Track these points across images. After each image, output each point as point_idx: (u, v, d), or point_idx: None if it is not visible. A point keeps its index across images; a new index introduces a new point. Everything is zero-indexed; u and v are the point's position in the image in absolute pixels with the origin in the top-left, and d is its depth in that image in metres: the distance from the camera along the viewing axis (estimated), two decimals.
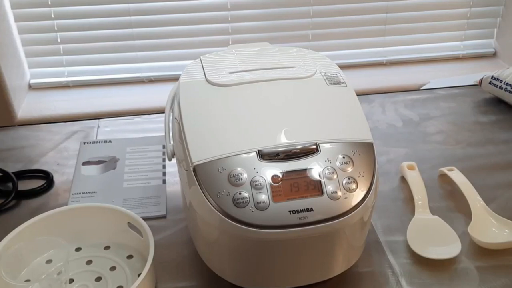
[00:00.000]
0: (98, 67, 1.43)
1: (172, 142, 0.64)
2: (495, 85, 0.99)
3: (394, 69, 1.52)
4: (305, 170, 0.53)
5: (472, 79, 1.08)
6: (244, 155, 0.53)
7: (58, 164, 0.83)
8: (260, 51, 0.72)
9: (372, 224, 0.70)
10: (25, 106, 1.32)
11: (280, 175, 0.53)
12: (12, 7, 1.30)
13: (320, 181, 0.53)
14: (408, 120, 0.95)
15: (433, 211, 0.71)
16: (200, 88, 0.63)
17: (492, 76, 0.99)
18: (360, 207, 0.53)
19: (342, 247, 0.57)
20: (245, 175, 0.52)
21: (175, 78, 0.67)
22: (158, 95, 1.31)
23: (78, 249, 0.65)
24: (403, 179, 0.78)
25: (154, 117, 0.97)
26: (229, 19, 1.41)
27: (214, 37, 1.43)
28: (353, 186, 0.53)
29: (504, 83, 0.97)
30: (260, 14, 1.43)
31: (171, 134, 0.65)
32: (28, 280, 0.60)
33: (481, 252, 0.65)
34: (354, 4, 1.44)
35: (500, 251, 0.65)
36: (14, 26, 1.31)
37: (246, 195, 0.51)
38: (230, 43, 1.44)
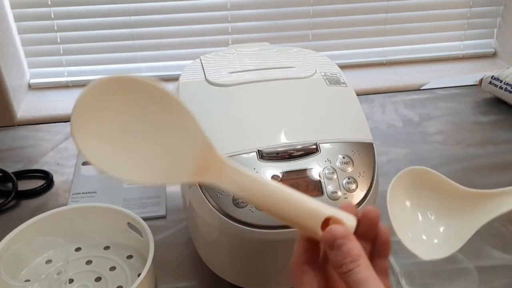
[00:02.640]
0: (98, 67, 1.43)
1: None
2: (495, 85, 0.99)
3: (394, 69, 1.51)
4: (305, 170, 0.53)
5: (472, 79, 1.08)
6: (244, 155, 0.53)
7: (58, 164, 0.83)
8: (260, 51, 0.72)
9: None
10: (25, 106, 1.31)
11: (280, 175, 0.52)
12: (12, 7, 1.30)
13: (320, 181, 0.53)
14: (408, 120, 0.95)
15: None
16: (200, 88, 0.63)
17: (492, 76, 0.99)
18: (360, 207, 0.53)
19: None
20: None
21: (175, 78, 0.67)
22: None
23: (78, 249, 0.65)
24: None
25: None
26: (229, 19, 1.41)
27: (214, 37, 1.43)
28: (353, 186, 0.53)
29: (504, 83, 0.97)
30: (260, 14, 1.42)
31: None
32: (28, 280, 0.60)
33: (481, 252, 0.65)
34: (354, 4, 1.44)
35: (500, 251, 0.65)
36: (14, 26, 1.31)
37: None
38: (230, 43, 1.44)
